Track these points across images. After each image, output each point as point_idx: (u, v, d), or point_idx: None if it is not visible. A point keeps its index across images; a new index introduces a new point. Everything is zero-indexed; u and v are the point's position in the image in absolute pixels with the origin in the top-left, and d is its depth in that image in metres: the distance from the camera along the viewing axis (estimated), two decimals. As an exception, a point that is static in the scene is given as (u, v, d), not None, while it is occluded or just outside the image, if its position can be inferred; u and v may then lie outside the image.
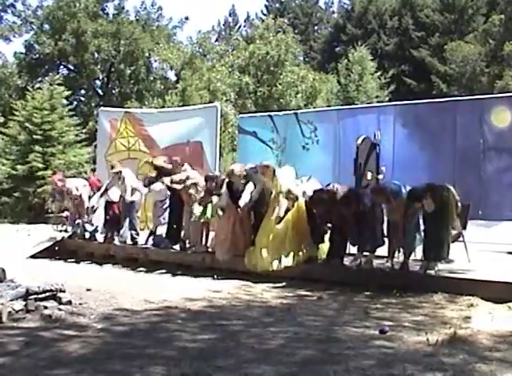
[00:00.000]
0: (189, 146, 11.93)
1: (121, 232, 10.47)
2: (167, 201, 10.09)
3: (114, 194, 10.66)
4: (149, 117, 13.03)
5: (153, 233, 10.29)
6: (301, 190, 8.24)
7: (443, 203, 7.18)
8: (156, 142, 12.42)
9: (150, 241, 10.24)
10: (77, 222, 11.35)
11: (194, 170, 10.06)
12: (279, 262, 8.06)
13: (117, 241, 10.52)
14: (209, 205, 9.14)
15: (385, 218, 7.75)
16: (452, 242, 7.70)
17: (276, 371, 3.99)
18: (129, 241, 10.41)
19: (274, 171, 8.47)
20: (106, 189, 10.68)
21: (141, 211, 11.02)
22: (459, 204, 7.49)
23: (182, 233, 9.71)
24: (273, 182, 8.41)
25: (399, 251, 7.66)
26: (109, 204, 10.77)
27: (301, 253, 8.15)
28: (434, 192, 7.15)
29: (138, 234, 10.43)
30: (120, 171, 10.48)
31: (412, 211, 7.33)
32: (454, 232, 8.07)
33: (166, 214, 10.06)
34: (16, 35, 34.57)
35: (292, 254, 8.10)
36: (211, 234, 9.32)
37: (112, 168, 10.68)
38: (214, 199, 9.01)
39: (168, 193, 9.95)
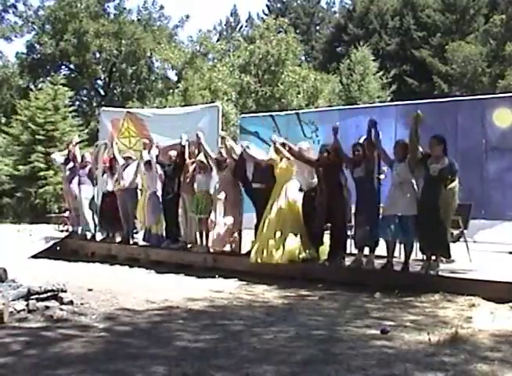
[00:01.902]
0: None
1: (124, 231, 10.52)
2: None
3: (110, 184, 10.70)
4: (151, 117, 13.02)
5: (147, 230, 10.27)
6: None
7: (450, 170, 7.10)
8: (157, 142, 12.42)
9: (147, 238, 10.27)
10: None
11: None
12: (282, 253, 8.07)
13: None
14: (201, 199, 9.19)
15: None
16: (454, 242, 7.69)
17: (278, 371, 4.00)
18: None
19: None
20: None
21: (138, 210, 10.99)
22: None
23: (182, 233, 9.74)
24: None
25: (399, 253, 7.67)
26: (105, 198, 10.74)
27: (301, 251, 8.15)
28: (454, 168, 7.09)
29: (137, 232, 10.43)
30: (131, 157, 10.51)
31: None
32: (456, 232, 8.09)
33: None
34: (18, 35, 34.69)
35: (293, 248, 8.11)
36: (211, 234, 9.35)
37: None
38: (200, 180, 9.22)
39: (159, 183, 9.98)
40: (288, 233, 8.15)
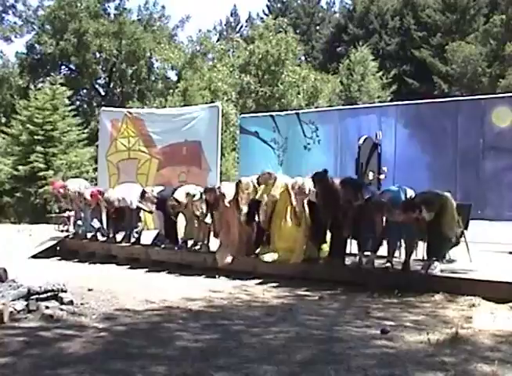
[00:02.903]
0: (186, 145, 11.94)
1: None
2: None
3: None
4: (150, 117, 13.03)
5: (159, 234, 10.27)
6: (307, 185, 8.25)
7: (442, 209, 7.15)
8: (156, 142, 12.44)
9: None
10: (78, 222, 11.35)
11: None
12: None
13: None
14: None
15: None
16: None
17: (278, 371, 3.99)
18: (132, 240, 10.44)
19: (275, 178, 8.47)
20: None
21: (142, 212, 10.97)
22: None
23: (183, 232, 9.73)
24: (274, 188, 8.41)
25: (400, 253, 7.66)
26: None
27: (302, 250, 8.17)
28: (429, 204, 7.11)
29: (138, 232, 10.42)
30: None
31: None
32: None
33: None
34: (18, 36, 34.70)
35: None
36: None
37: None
38: None
39: None
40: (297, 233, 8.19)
